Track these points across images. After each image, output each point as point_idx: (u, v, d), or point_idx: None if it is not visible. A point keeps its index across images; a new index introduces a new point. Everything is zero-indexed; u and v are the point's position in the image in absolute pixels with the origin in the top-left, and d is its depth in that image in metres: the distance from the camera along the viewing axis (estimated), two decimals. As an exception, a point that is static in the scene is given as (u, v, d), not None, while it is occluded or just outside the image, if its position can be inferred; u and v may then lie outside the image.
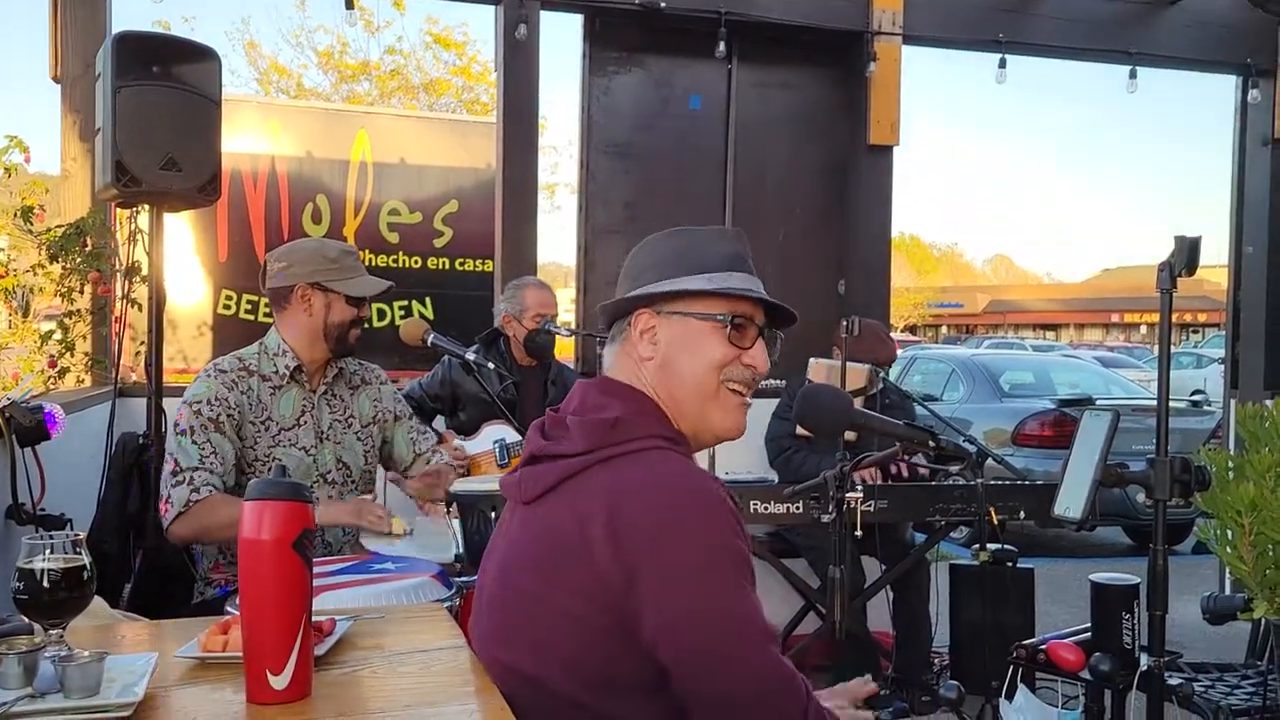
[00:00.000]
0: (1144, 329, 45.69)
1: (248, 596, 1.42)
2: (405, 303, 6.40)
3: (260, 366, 2.76)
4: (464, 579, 2.26)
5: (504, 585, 1.51)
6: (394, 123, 7.32)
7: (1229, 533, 2.18)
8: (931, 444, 2.01)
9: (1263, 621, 2.22)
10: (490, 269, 5.83)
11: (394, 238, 6.47)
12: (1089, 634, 1.88)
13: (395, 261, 6.44)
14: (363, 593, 2.05)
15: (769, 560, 4.18)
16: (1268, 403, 5.63)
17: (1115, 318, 46.64)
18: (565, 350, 5.70)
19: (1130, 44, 5.25)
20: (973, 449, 3.92)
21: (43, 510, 2.64)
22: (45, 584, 1.48)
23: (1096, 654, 1.81)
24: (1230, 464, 2.23)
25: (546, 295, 3.89)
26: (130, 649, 1.68)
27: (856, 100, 4.96)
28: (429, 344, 2.99)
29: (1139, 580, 1.85)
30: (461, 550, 2.33)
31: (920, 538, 4.46)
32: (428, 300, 6.45)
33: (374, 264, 6.26)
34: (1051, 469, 7.63)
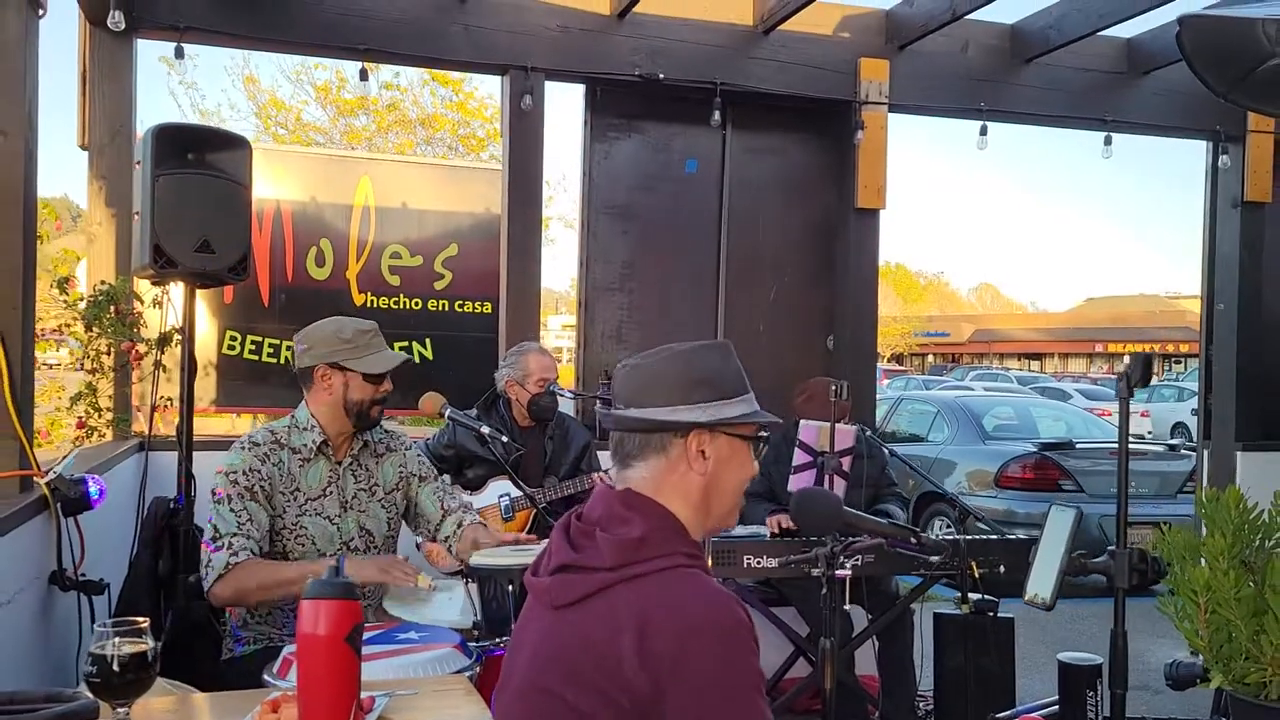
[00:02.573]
0: (1126, 359, 46.03)
1: (305, 683, 1.60)
2: (406, 343, 6.55)
3: (290, 439, 2.93)
4: (482, 644, 2.44)
5: (533, 681, 1.66)
6: (396, 169, 7.48)
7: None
8: (914, 540, 2.20)
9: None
10: (489, 310, 6.03)
11: (395, 280, 6.62)
12: (1057, 708, 2.07)
13: (397, 303, 6.59)
14: (391, 664, 2.22)
15: (759, 609, 4.36)
16: (1240, 456, 5.84)
17: (1099, 347, 47.05)
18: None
19: (1105, 112, 5.48)
20: (954, 506, 4.13)
21: (83, 575, 2.80)
22: (115, 668, 1.65)
23: (1063, 728, 2.00)
24: (1188, 545, 2.41)
25: (548, 361, 4.08)
26: (187, 723, 1.85)
27: (845, 166, 5.18)
28: (446, 418, 3.17)
29: (1101, 660, 2.04)
30: (479, 618, 2.50)
31: (904, 580, 4.63)
32: (428, 341, 6.60)
33: (376, 306, 6.42)
34: (1033, 510, 7.84)
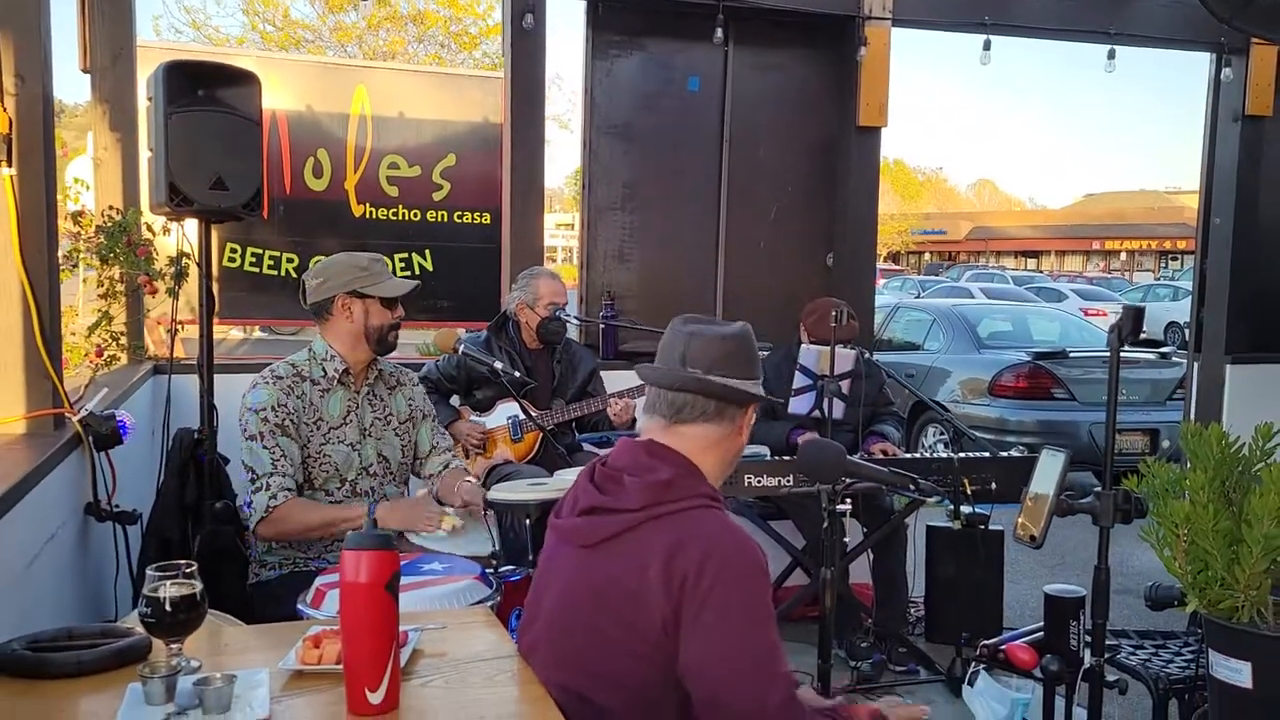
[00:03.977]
0: (1124, 256, 46.18)
1: (349, 628, 1.71)
2: (405, 255, 6.60)
3: (311, 371, 3.05)
4: (504, 569, 2.58)
5: (563, 617, 1.81)
6: (392, 77, 7.41)
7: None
8: (912, 487, 2.33)
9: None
10: (488, 221, 6.05)
11: (393, 191, 6.62)
12: (1041, 635, 2.22)
13: (395, 214, 6.59)
14: (416, 596, 2.35)
15: (757, 523, 4.53)
16: (1229, 369, 5.96)
17: (1096, 244, 47.03)
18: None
19: (1110, 24, 5.46)
20: (950, 426, 4.25)
21: (117, 506, 2.93)
22: (168, 608, 1.76)
23: (1047, 655, 2.15)
24: (1171, 479, 2.55)
25: (558, 285, 4.17)
26: (233, 656, 1.98)
27: (847, 83, 5.17)
28: (460, 353, 3.28)
29: (1084, 593, 2.18)
30: (498, 547, 2.64)
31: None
32: (427, 252, 6.63)
33: (375, 217, 6.44)
34: (1024, 418, 8.02)
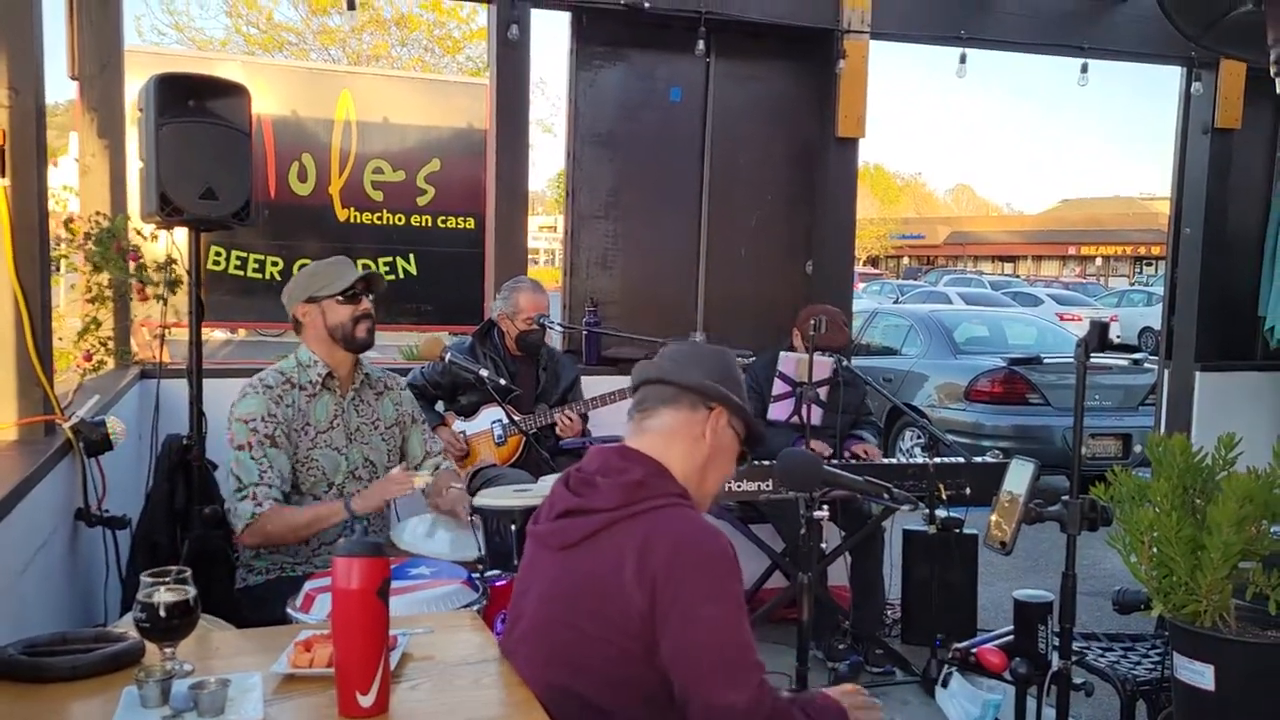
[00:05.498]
0: (1099, 261, 46.61)
1: (340, 632, 1.76)
2: (389, 259, 6.63)
3: (298, 378, 3.11)
4: (490, 574, 2.64)
5: (546, 617, 1.88)
6: (377, 82, 7.46)
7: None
8: (886, 495, 2.40)
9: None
10: (472, 226, 6.09)
11: (378, 196, 6.66)
12: (1011, 638, 2.29)
13: (380, 219, 6.63)
14: (404, 600, 2.40)
15: (738, 527, 4.60)
16: (1198, 376, 6.07)
17: (1072, 250, 47.45)
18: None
19: (1083, 39, 5.55)
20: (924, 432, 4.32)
21: (106, 511, 2.97)
22: (162, 614, 1.80)
23: (1016, 659, 2.22)
24: (1136, 488, 2.62)
25: (540, 299, 4.24)
26: (224, 660, 2.02)
27: (826, 94, 5.23)
28: (446, 361, 3.34)
29: (1052, 598, 2.26)
30: (483, 551, 2.70)
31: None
32: (411, 256, 6.68)
33: (360, 221, 6.47)
34: (1000, 423, 8.12)
